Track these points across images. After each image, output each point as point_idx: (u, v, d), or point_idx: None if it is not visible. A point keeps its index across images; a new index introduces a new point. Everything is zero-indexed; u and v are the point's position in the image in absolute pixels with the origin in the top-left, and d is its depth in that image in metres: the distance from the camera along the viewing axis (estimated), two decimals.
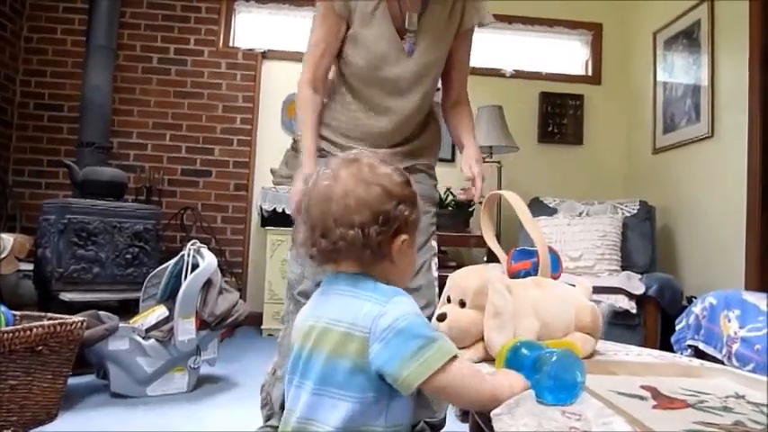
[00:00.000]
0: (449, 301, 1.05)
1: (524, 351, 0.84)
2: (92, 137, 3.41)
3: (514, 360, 0.84)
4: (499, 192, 1.20)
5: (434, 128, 1.77)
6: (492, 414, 0.69)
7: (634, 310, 2.67)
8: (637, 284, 2.76)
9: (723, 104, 3.18)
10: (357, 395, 0.78)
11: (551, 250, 1.15)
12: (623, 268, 3.15)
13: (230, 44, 4.16)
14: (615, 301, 2.66)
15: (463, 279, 1.04)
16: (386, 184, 0.85)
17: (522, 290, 1.06)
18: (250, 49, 4.10)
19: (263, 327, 3.64)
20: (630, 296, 2.71)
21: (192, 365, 2.35)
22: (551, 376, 0.77)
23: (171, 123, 4.01)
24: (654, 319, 2.71)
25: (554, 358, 0.78)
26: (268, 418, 1.66)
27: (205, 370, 2.50)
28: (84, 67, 3.54)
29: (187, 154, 4.01)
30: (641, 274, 2.99)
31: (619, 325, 2.62)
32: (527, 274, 1.14)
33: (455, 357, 0.77)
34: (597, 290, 2.71)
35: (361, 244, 0.82)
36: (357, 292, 0.82)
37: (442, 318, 1.02)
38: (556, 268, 1.15)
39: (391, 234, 0.84)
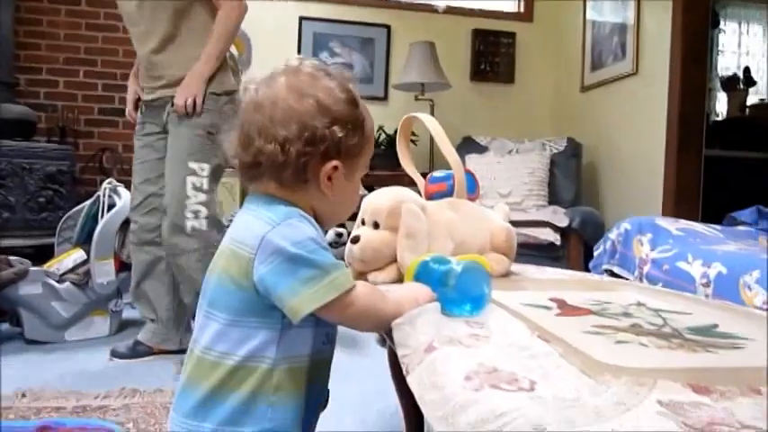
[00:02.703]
0: (363, 223, 1.03)
1: (433, 265, 0.82)
2: None
3: (424, 275, 0.82)
4: (415, 114, 1.17)
5: (185, 40, 1.95)
6: (392, 324, 0.68)
7: (558, 242, 2.76)
8: (561, 218, 2.84)
9: (647, 43, 3.24)
10: (235, 318, 0.72)
11: (468, 172, 1.14)
12: (550, 203, 3.24)
13: None
14: (540, 234, 2.73)
15: (376, 200, 1.01)
16: (322, 98, 0.75)
17: (437, 211, 1.05)
18: None
19: None
20: (555, 229, 2.78)
21: (114, 308, 2.27)
22: (457, 288, 0.77)
23: (84, 59, 3.72)
24: (577, 251, 2.81)
25: (460, 271, 0.77)
26: None
27: (129, 314, 2.42)
28: None
29: (104, 92, 3.75)
30: (566, 208, 3.07)
31: (543, 257, 2.69)
32: (443, 197, 1.12)
33: (353, 287, 0.71)
34: (524, 223, 2.78)
35: (281, 162, 0.73)
36: (259, 211, 0.75)
37: (355, 240, 1.00)
38: (472, 189, 1.14)
39: (319, 157, 0.75)
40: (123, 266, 2.25)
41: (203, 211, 1.86)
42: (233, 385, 0.72)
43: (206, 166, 1.88)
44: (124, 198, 2.24)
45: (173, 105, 1.88)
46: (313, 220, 0.76)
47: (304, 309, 0.68)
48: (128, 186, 2.55)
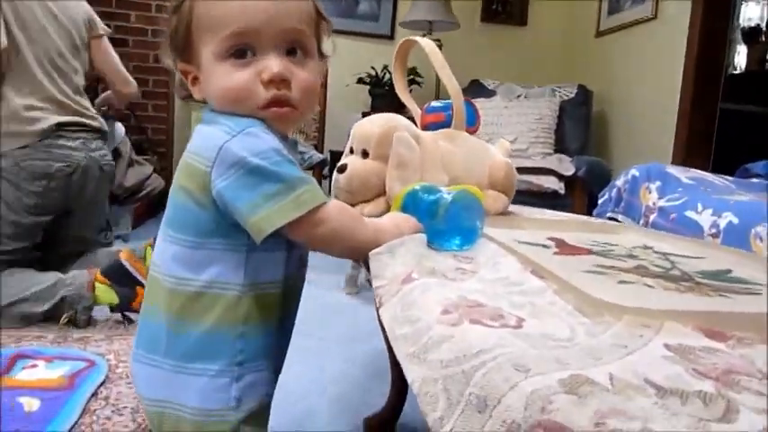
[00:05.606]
0: (351, 151, 0.95)
1: (422, 195, 0.75)
2: None
3: (411, 205, 0.75)
4: (412, 38, 1.07)
5: None
6: (370, 254, 0.61)
7: (562, 191, 2.67)
8: (567, 166, 2.74)
9: None
10: (195, 239, 0.65)
11: (468, 101, 1.05)
12: (556, 152, 3.14)
13: None
14: (545, 182, 2.64)
15: (366, 126, 0.93)
16: None
17: (433, 141, 0.97)
18: None
19: None
20: (560, 177, 2.69)
21: (103, 240, 2.22)
22: (446, 220, 0.69)
23: (114, 38, 3.56)
24: (581, 200, 2.72)
25: (450, 201, 0.70)
26: None
27: (120, 246, 2.37)
28: None
29: (136, 74, 3.60)
30: (573, 157, 2.97)
31: (546, 205, 2.60)
32: (440, 128, 1.04)
33: (323, 204, 0.63)
34: (528, 171, 2.69)
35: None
36: (217, 120, 0.65)
37: (341, 169, 0.92)
38: (472, 122, 1.06)
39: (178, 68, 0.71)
40: (112, 198, 2.18)
41: None
42: (195, 315, 0.65)
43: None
44: (114, 128, 2.15)
45: None
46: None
47: (266, 227, 0.60)
48: (127, 121, 2.46)
